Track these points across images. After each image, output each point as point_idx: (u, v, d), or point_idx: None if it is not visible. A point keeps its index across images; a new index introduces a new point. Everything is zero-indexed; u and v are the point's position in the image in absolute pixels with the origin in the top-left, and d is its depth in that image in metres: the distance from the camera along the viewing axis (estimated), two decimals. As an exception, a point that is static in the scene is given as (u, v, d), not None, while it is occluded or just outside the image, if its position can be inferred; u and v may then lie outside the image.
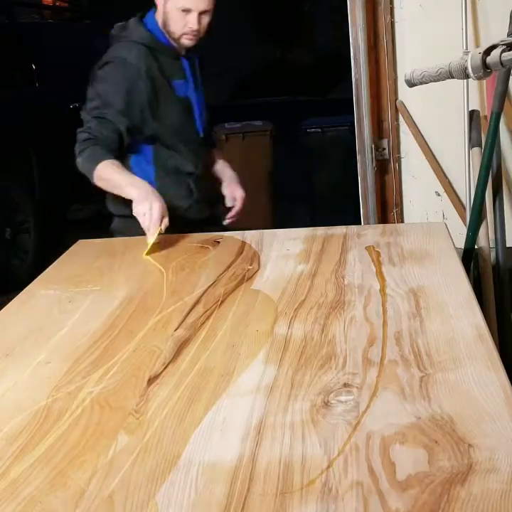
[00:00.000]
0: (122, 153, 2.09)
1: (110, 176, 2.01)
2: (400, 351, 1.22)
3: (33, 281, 1.75)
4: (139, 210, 1.90)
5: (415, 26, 2.84)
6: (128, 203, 1.96)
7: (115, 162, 2.02)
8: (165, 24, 2.09)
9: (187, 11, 2.03)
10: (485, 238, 2.61)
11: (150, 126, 2.12)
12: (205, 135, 2.27)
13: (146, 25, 2.14)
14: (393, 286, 1.52)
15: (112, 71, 2.12)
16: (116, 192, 2.01)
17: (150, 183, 2.02)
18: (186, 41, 2.10)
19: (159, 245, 1.89)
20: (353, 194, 3.23)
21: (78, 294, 1.63)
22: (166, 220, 1.89)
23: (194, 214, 2.21)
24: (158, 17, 2.11)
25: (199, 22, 2.06)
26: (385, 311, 1.40)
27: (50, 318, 1.51)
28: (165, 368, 1.24)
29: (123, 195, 1.98)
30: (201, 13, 2.05)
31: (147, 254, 1.87)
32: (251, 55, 8.71)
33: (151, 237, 1.88)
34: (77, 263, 1.87)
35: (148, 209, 1.88)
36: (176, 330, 1.39)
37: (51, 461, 1.00)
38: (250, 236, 1.95)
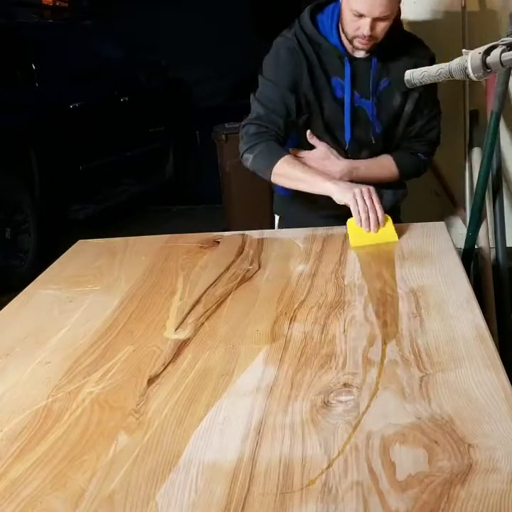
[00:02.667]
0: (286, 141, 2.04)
1: (294, 174, 1.94)
2: (400, 351, 1.22)
3: (33, 281, 1.75)
4: (349, 196, 1.80)
5: (415, 26, 2.83)
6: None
7: (290, 157, 1.96)
8: (341, 21, 1.97)
9: (360, 15, 1.89)
10: (485, 238, 2.61)
11: (306, 116, 2.05)
12: (368, 146, 2.10)
13: (317, 20, 2.04)
14: (393, 286, 1.52)
15: (279, 53, 2.04)
16: (300, 187, 1.95)
17: None
18: (359, 45, 1.96)
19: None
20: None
21: (78, 294, 1.63)
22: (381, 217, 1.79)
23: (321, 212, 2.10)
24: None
25: (373, 28, 1.90)
26: (385, 311, 1.40)
27: (50, 318, 1.51)
28: (165, 368, 1.24)
29: (313, 192, 1.92)
30: (376, 19, 1.90)
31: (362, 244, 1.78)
32: (251, 55, 8.72)
33: (368, 224, 1.77)
34: (77, 263, 1.87)
35: (360, 190, 1.80)
36: (176, 330, 1.40)
37: (51, 461, 1.00)
38: (250, 236, 1.95)
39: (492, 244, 2.63)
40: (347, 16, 1.92)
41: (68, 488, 0.94)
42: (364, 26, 1.90)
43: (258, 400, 1.11)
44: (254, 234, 1.97)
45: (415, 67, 1.83)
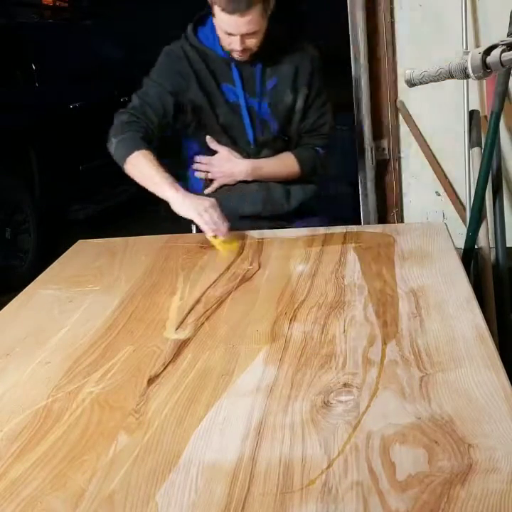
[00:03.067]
0: (156, 144, 2.07)
1: (146, 169, 1.96)
2: (400, 351, 1.22)
3: (33, 281, 1.75)
4: (190, 211, 1.87)
5: (415, 26, 2.84)
6: None
7: (151, 154, 1.98)
8: (217, 36, 2.07)
9: (229, 33, 1.99)
10: (485, 238, 2.61)
11: (198, 121, 2.13)
12: (267, 144, 2.18)
13: (199, 32, 2.12)
14: (393, 286, 1.52)
15: (164, 59, 2.14)
16: (148, 186, 1.97)
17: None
18: (236, 56, 2.06)
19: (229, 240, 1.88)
20: (352, 194, 3.23)
21: (78, 294, 1.63)
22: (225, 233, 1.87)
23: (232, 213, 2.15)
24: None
25: (243, 43, 2.00)
26: (385, 311, 1.40)
27: (50, 318, 1.51)
28: (165, 368, 1.24)
29: (156, 193, 1.95)
30: (244, 36, 1.98)
31: (224, 249, 1.85)
32: (251, 55, 8.70)
33: (223, 235, 1.86)
34: (77, 263, 1.87)
35: (207, 206, 1.86)
36: (176, 330, 1.40)
37: (51, 461, 1.00)
38: (250, 236, 1.95)
39: (492, 244, 2.63)
40: (219, 34, 2.03)
41: (68, 488, 0.94)
42: (235, 43, 2.00)
43: (258, 400, 1.11)
44: (254, 234, 1.97)
45: (297, 68, 2.11)
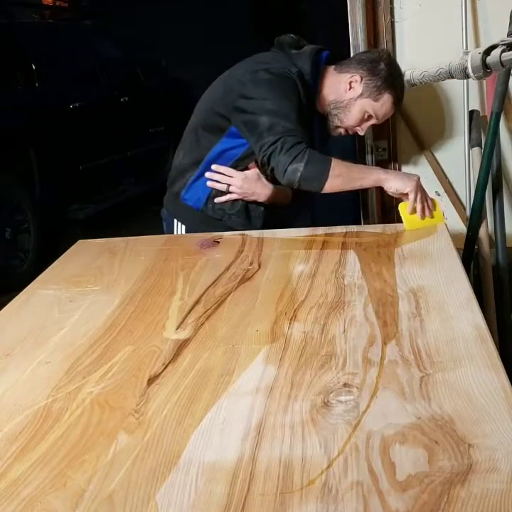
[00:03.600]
0: None
1: (348, 171, 1.97)
2: (400, 351, 1.22)
3: (33, 281, 1.75)
4: (412, 186, 1.90)
5: (415, 26, 2.83)
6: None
7: (337, 159, 2.00)
8: (335, 107, 2.07)
9: (370, 117, 2.01)
10: (485, 238, 2.61)
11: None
12: None
13: (313, 68, 2.10)
14: (393, 286, 1.52)
15: (284, 84, 2.06)
16: (355, 185, 1.98)
17: None
18: (337, 134, 2.11)
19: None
20: (352, 194, 3.22)
21: (78, 294, 1.63)
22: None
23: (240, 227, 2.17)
24: (327, 85, 2.10)
25: (368, 129, 2.07)
26: (385, 311, 1.40)
27: (50, 318, 1.51)
28: (165, 368, 1.24)
29: (367, 185, 1.99)
30: (374, 124, 2.05)
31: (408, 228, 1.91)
32: (251, 55, 8.71)
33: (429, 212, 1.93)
34: (77, 263, 1.87)
35: (417, 183, 1.91)
36: (176, 330, 1.40)
37: (51, 461, 1.00)
38: (250, 236, 1.95)
39: (492, 244, 2.63)
40: (357, 113, 2.04)
41: (68, 488, 0.94)
42: (365, 128, 2.06)
43: (258, 399, 1.11)
44: (254, 234, 1.97)
45: None
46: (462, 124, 2.78)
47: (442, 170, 2.92)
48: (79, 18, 6.41)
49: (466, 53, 1.45)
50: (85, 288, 1.67)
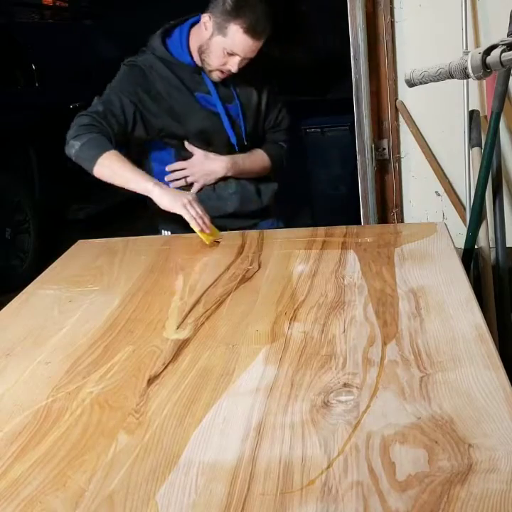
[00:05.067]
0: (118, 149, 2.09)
1: (121, 167, 1.99)
2: (399, 351, 1.22)
3: (33, 281, 1.75)
4: (175, 203, 1.91)
5: (415, 26, 2.84)
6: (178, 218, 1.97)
7: (120, 154, 2.01)
8: (201, 52, 2.07)
9: (232, 54, 2.01)
10: (485, 238, 2.61)
11: (172, 129, 2.13)
12: (250, 143, 2.23)
13: (168, 44, 2.13)
14: (393, 286, 1.52)
15: (127, 71, 2.16)
16: (123, 184, 1.99)
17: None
18: (215, 77, 2.09)
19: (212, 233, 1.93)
20: (352, 194, 3.22)
21: (78, 294, 1.63)
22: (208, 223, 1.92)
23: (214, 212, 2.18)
24: (193, 39, 2.09)
25: (240, 65, 2.03)
26: (385, 311, 1.40)
27: (50, 318, 1.51)
28: (165, 368, 1.24)
29: (134, 189, 1.97)
30: (243, 59, 2.03)
31: (209, 241, 1.90)
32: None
33: (206, 227, 1.91)
34: (77, 263, 1.87)
35: (190, 200, 1.92)
36: (176, 330, 1.40)
37: (51, 461, 1.00)
38: (250, 236, 1.95)
39: (492, 244, 2.63)
40: (216, 51, 2.03)
41: (68, 488, 0.94)
42: (233, 65, 2.03)
43: (258, 399, 1.11)
44: (254, 234, 1.97)
45: (257, 69, 2.13)
46: (462, 124, 2.78)
47: (442, 170, 2.92)
48: (79, 18, 6.41)
49: (466, 53, 1.44)
50: (85, 288, 1.67)
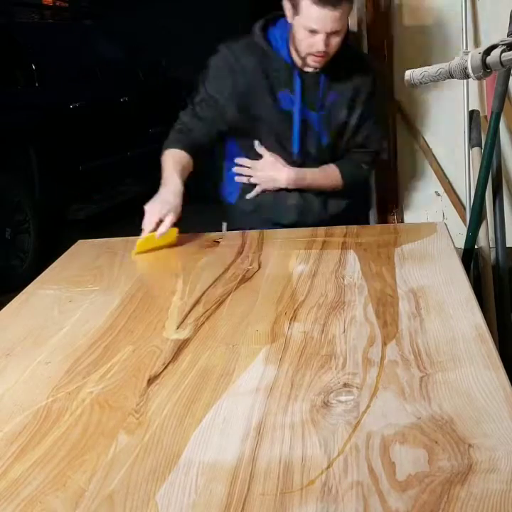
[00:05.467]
0: (199, 155, 2.12)
1: (165, 164, 2.05)
2: (400, 351, 1.22)
3: (33, 281, 1.75)
4: (147, 206, 1.93)
5: (415, 26, 2.83)
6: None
7: (178, 153, 2.06)
8: (292, 40, 2.01)
9: (314, 31, 1.92)
10: (485, 238, 2.61)
11: (243, 128, 2.11)
12: (313, 156, 2.15)
13: (269, 33, 2.07)
14: (393, 286, 1.52)
15: (219, 62, 2.12)
16: None
17: None
18: (312, 62, 2.00)
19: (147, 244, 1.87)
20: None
21: (78, 294, 1.63)
22: (165, 222, 1.88)
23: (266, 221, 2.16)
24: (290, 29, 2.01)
25: (327, 43, 1.94)
26: (385, 311, 1.40)
27: (50, 318, 1.51)
28: (165, 368, 1.24)
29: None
30: (329, 34, 1.93)
31: (137, 253, 1.85)
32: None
33: (142, 236, 1.87)
34: (77, 263, 1.87)
35: (156, 210, 1.90)
36: (176, 330, 1.39)
37: (51, 461, 1.00)
38: (250, 236, 1.95)
39: (492, 244, 2.63)
40: (300, 34, 1.96)
41: (68, 488, 0.94)
42: (318, 43, 1.94)
43: (258, 399, 1.11)
44: (254, 234, 1.97)
45: (358, 86, 2.08)
46: (462, 124, 2.78)
47: (442, 170, 2.92)
48: (79, 18, 6.40)
49: (466, 53, 1.44)
50: (85, 288, 1.67)
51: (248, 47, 2.08)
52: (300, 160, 2.14)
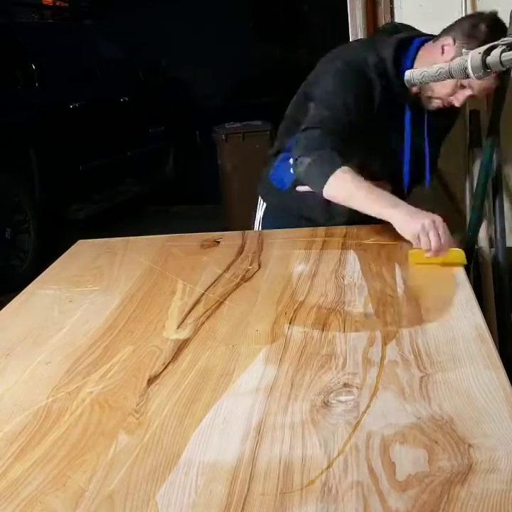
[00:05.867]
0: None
1: (356, 187, 1.74)
2: (399, 351, 1.22)
3: (33, 281, 1.75)
4: (411, 230, 1.63)
5: (415, 26, 2.83)
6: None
7: (353, 171, 1.76)
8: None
9: (466, 87, 1.82)
10: (485, 238, 2.60)
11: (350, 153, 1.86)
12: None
13: (402, 55, 1.91)
14: (393, 286, 1.52)
15: (348, 70, 1.92)
16: (354, 204, 1.77)
17: None
18: (434, 105, 1.90)
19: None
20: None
21: (78, 294, 1.63)
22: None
23: None
24: (421, 58, 1.87)
25: (464, 100, 1.86)
26: (385, 311, 1.40)
27: (50, 318, 1.51)
28: (165, 368, 1.24)
29: (369, 212, 1.74)
30: (473, 95, 1.84)
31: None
32: (251, 55, 8.71)
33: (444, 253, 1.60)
34: (77, 263, 1.87)
35: (427, 224, 1.62)
36: (176, 330, 1.39)
37: (51, 461, 1.00)
38: (250, 236, 1.95)
39: (492, 244, 2.63)
40: (451, 82, 1.79)
41: (68, 488, 0.94)
42: (460, 98, 1.85)
43: (258, 399, 1.11)
44: (254, 234, 1.97)
45: (451, 123, 2.07)
46: (462, 124, 2.78)
47: (442, 170, 2.92)
48: (79, 18, 6.41)
49: (466, 53, 1.45)
50: (85, 288, 1.67)
51: (378, 69, 1.90)
52: (409, 187, 2.04)
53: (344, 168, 1.77)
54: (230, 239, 1.95)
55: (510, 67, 1.49)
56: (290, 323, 1.38)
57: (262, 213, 2.22)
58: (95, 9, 7.19)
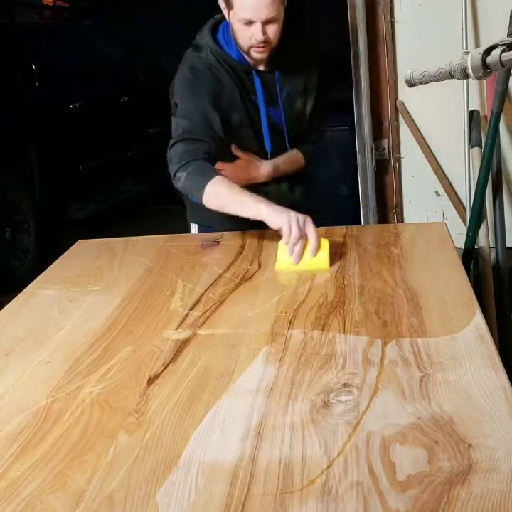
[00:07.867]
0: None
1: (228, 194, 1.83)
2: (400, 351, 1.22)
3: (33, 281, 1.75)
4: (284, 220, 1.71)
5: (415, 26, 2.84)
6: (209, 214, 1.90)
7: (224, 178, 1.85)
8: (234, 37, 1.98)
9: (249, 22, 1.90)
10: (485, 238, 2.61)
11: (222, 139, 1.99)
12: (281, 150, 2.13)
13: (219, 41, 2.03)
14: (393, 286, 1.52)
15: (191, 76, 2.01)
16: (233, 210, 1.83)
17: None
18: (255, 54, 1.97)
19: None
20: (352, 194, 3.23)
21: (78, 294, 1.63)
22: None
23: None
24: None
25: (264, 32, 1.91)
26: (385, 311, 1.40)
27: (50, 318, 1.51)
28: (165, 368, 1.24)
29: (244, 214, 1.80)
30: (266, 23, 1.91)
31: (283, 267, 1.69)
32: (251, 55, 8.69)
33: (296, 255, 1.67)
34: (77, 263, 1.87)
35: (294, 216, 1.70)
36: (176, 330, 1.40)
37: (51, 461, 1.00)
38: (250, 236, 1.95)
39: (492, 244, 2.64)
40: (238, 28, 1.94)
41: (68, 488, 0.94)
42: (256, 33, 1.92)
43: (258, 399, 1.11)
44: (254, 234, 1.97)
45: (308, 74, 2.08)
46: (462, 124, 2.78)
47: (442, 170, 2.93)
48: (79, 18, 6.41)
49: (466, 53, 1.44)
50: (85, 288, 1.67)
51: (210, 62, 2.02)
52: (272, 156, 2.14)
53: (216, 177, 1.84)
54: (230, 239, 1.95)
55: (510, 67, 1.49)
56: (290, 323, 1.38)
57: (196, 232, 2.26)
58: (95, 9, 7.19)
